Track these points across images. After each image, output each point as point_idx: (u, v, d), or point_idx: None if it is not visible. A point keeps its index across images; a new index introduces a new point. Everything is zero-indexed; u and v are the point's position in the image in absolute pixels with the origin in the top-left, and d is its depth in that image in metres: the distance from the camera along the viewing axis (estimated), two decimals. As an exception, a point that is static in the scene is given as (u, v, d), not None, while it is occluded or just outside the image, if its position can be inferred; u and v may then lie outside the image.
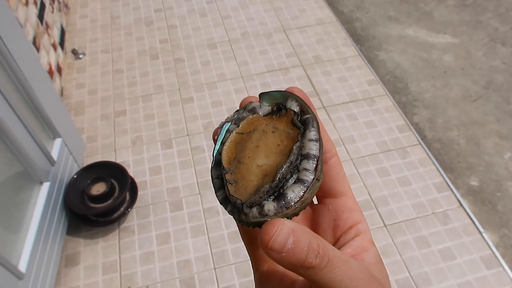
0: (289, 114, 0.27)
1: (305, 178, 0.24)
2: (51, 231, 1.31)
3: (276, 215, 0.23)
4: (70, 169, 1.49)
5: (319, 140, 0.25)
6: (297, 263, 0.22)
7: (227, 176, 0.25)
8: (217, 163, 0.27)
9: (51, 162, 1.36)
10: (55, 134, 1.43)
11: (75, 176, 1.47)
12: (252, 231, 0.28)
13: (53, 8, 2.08)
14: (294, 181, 0.24)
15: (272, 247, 0.21)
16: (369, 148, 1.67)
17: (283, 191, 0.24)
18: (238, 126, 0.28)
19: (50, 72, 1.82)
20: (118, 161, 1.64)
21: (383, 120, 1.77)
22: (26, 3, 1.69)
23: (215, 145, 0.27)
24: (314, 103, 1.85)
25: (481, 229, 1.43)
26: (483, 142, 1.72)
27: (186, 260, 1.39)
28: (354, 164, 1.61)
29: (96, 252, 1.42)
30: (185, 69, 2.04)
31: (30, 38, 1.66)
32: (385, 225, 1.45)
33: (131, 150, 1.70)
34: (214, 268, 1.37)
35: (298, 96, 0.28)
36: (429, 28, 2.25)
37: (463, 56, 2.08)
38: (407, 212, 1.48)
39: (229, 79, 1.98)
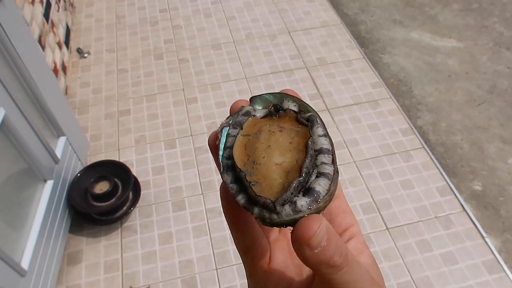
0: (290, 113, 0.27)
1: (326, 171, 0.24)
2: (54, 229, 1.32)
3: (309, 210, 0.23)
4: (73, 167, 1.50)
5: (328, 134, 0.26)
6: (325, 260, 0.22)
7: (248, 178, 0.24)
8: (227, 167, 0.26)
9: (55, 160, 1.36)
10: (59, 133, 1.43)
11: (78, 175, 1.48)
12: (249, 237, 0.28)
13: (58, 7, 2.09)
14: (316, 176, 0.24)
15: (311, 243, 0.21)
16: (372, 151, 1.67)
17: (309, 186, 0.24)
18: (241, 129, 0.27)
19: (55, 70, 1.82)
20: (121, 160, 1.64)
21: (387, 123, 1.77)
22: (32, 2, 1.70)
23: (217, 151, 0.27)
24: (318, 105, 1.85)
25: (484, 234, 1.42)
26: (486, 146, 1.72)
27: (188, 260, 1.39)
28: (357, 167, 1.61)
29: (98, 250, 1.42)
30: (189, 69, 2.04)
31: (36, 36, 1.67)
32: (387, 228, 1.45)
33: (135, 149, 1.71)
34: (216, 269, 1.37)
35: (294, 96, 0.28)
36: (433, 32, 2.25)
37: (467, 60, 2.08)
38: (409, 216, 1.47)
39: (233, 80, 1.98)
